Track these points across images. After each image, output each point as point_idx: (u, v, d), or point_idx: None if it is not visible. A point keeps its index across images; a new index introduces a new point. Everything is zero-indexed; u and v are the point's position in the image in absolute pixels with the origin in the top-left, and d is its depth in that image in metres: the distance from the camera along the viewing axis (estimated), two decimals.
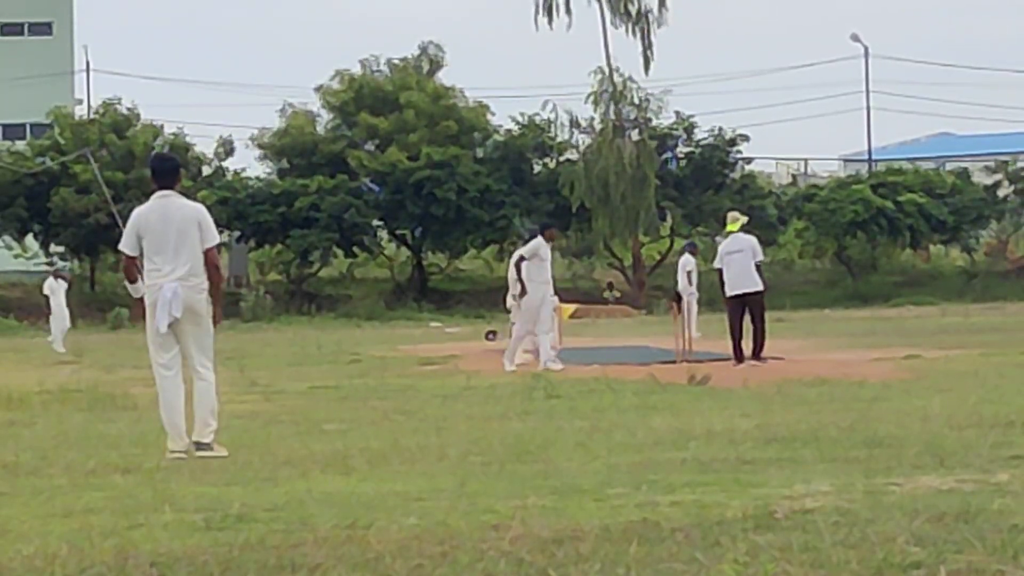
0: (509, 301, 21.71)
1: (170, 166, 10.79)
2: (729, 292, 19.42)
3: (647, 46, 52.78)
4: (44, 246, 52.03)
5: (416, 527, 6.54)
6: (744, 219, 20.33)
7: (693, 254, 29.85)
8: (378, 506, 7.27)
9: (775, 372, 17.06)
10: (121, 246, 10.61)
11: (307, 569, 5.69)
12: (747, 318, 19.36)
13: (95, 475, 9.09)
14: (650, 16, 52.89)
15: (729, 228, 19.99)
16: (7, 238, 52.42)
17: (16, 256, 52.61)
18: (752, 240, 19.68)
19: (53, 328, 32.33)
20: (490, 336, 29.08)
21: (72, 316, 45.13)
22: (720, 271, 19.63)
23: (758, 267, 19.48)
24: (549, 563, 5.63)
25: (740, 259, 19.37)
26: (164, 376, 10.39)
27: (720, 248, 20.06)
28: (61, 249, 51.81)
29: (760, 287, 19.34)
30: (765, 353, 19.47)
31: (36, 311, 48.72)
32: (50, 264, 52.25)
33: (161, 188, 10.47)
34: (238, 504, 7.30)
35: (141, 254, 10.50)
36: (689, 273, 29.02)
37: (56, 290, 32.65)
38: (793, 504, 6.87)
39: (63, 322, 32.41)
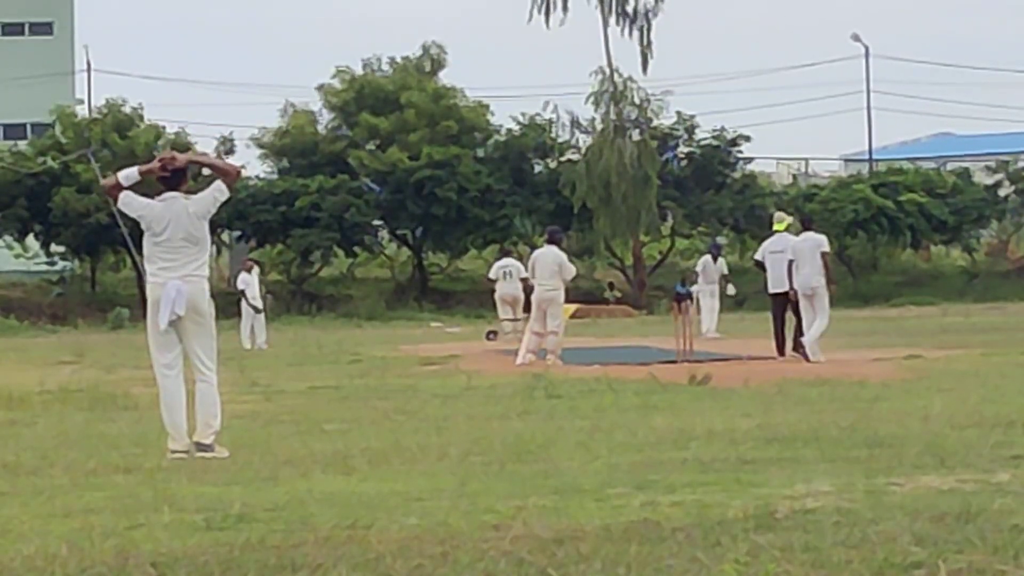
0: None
1: (177, 167, 10.76)
2: (772, 289, 20.39)
3: (645, 44, 52.73)
4: (45, 246, 52.02)
5: (417, 527, 6.54)
6: (789, 219, 21.48)
7: (715, 256, 30.94)
8: (379, 506, 7.26)
9: (775, 372, 17.06)
10: (120, 202, 10.49)
11: (308, 569, 5.69)
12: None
13: (96, 475, 9.08)
14: (650, 15, 52.88)
15: (776, 228, 20.91)
16: (8, 238, 52.41)
17: (17, 256, 52.60)
18: (796, 241, 20.41)
19: (256, 328, 30.74)
20: (491, 336, 29.07)
21: (76, 316, 45.00)
22: (761, 264, 20.76)
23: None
24: (550, 563, 5.62)
25: (785, 259, 20.21)
26: (165, 376, 10.37)
27: (764, 246, 21.06)
28: (62, 249, 51.80)
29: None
30: (769, 353, 20.21)
31: (37, 311, 48.79)
32: (50, 264, 52.23)
33: (168, 189, 10.47)
34: (239, 504, 7.30)
35: (140, 247, 10.50)
36: (698, 272, 30.30)
37: (250, 283, 31.31)
38: (794, 504, 6.87)
39: (260, 317, 31.03)
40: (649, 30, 52.67)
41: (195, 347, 10.39)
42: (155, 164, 10.55)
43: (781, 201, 56.20)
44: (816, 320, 19.89)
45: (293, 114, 56.90)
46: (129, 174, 10.48)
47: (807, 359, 19.41)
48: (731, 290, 31.09)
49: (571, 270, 21.78)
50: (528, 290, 23.48)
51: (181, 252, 10.30)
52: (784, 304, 20.27)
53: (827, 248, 20.31)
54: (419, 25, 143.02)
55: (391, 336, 34.46)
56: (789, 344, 20.20)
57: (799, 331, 20.07)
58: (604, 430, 10.95)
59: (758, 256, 20.97)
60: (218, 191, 10.38)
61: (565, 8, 52.64)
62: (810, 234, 20.54)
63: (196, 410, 10.33)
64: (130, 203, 10.42)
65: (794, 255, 20.20)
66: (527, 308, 24.66)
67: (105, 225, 46.29)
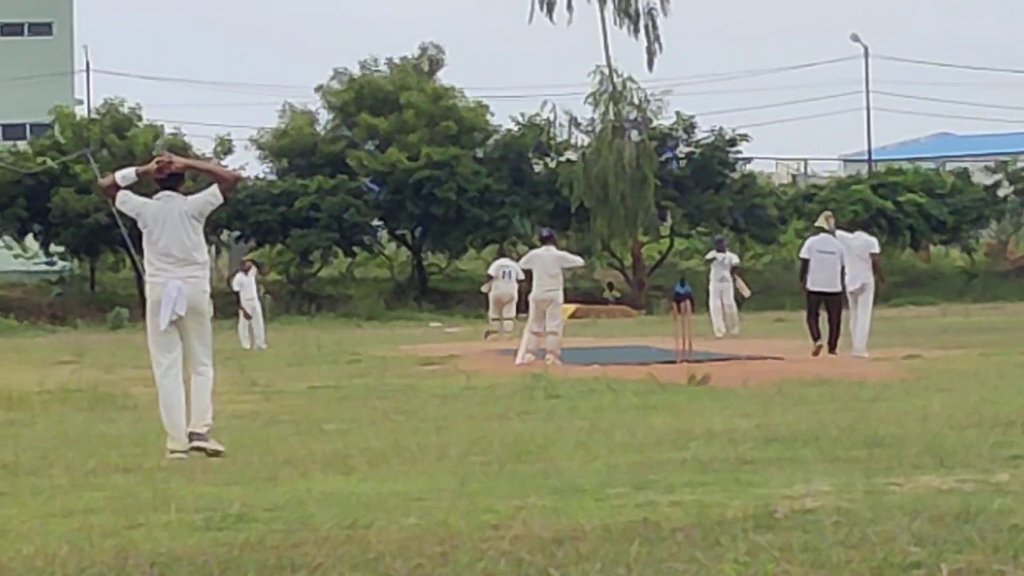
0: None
1: (174, 170, 10.76)
2: (811, 286, 21.13)
3: (652, 40, 52.72)
4: (44, 246, 52.02)
5: (416, 527, 6.54)
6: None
7: (719, 248, 31.48)
8: (378, 506, 7.27)
9: (775, 372, 17.06)
10: (117, 200, 10.51)
11: (307, 569, 5.69)
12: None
13: (95, 475, 9.09)
14: (654, 12, 52.88)
15: (823, 227, 21.47)
16: (7, 238, 52.40)
17: (16, 256, 52.59)
18: (842, 245, 21.13)
19: (255, 328, 30.33)
20: (490, 336, 29.10)
21: (75, 316, 44.72)
22: (805, 261, 21.34)
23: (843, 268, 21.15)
24: (549, 563, 5.63)
25: (831, 260, 21.05)
26: (165, 376, 10.39)
27: (811, 243, 21.55)
28: (61, 249, 51.81)
29: (839, 289, 21.05)
30: (768, 353, 20.77)
31: (36, 311, 48.77)
32: (50, 264, 52.20)
33: (164, 188, 10.49)
34: (238, 504, 7.30)
35: (140, 247, 10.52)
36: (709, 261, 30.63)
37: (246, 285, 30.96)
38: (793, 504, 6.87)
39: (259, 318, 30.66)
40: (655, 27, 52.70)
41: (194, 343, 10.46)
42: (152, 166, 10.58)
43: (780, 201, 56.28)
44: (859, 318, 20.80)
45: (292, 115, 56.93)
46: (126, 174, 10.51)
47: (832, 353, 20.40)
48: (745, 292, 31.29)
49: (577, 261, 22.17)
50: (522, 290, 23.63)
51: (178, 252, 10.32)
52: (820, 303, 20.94)
53: (877, 249, 21.21)
54: (417, 26, 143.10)
55: (390, 336, 34.45)
56: (824, 338, 20.89)
57: (834, 336, 20.78)
58: (603, 430, 10.95)
59: (804, 254, 21.55)
60: (212, 195, 10.41)
61: (569, 7, 52.67)
62: (861, 234, 21.35)
63: (192, 401, 10.37)
64: (127, 201, 10.47)
65: (845, 253, 20.97)
66: (521, 308, 24.80)
67: (104, 225, 46.27)
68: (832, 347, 20.80)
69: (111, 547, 6.21)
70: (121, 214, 11.12)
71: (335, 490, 8.01)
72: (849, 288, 20.94)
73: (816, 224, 22.23)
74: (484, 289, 30.85)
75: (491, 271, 30.48)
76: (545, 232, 22.55)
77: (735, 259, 31.82)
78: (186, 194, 10.55)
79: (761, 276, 51.84)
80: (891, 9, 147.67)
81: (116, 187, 10.45)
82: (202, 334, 10.48)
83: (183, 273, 10.32)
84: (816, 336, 20.93)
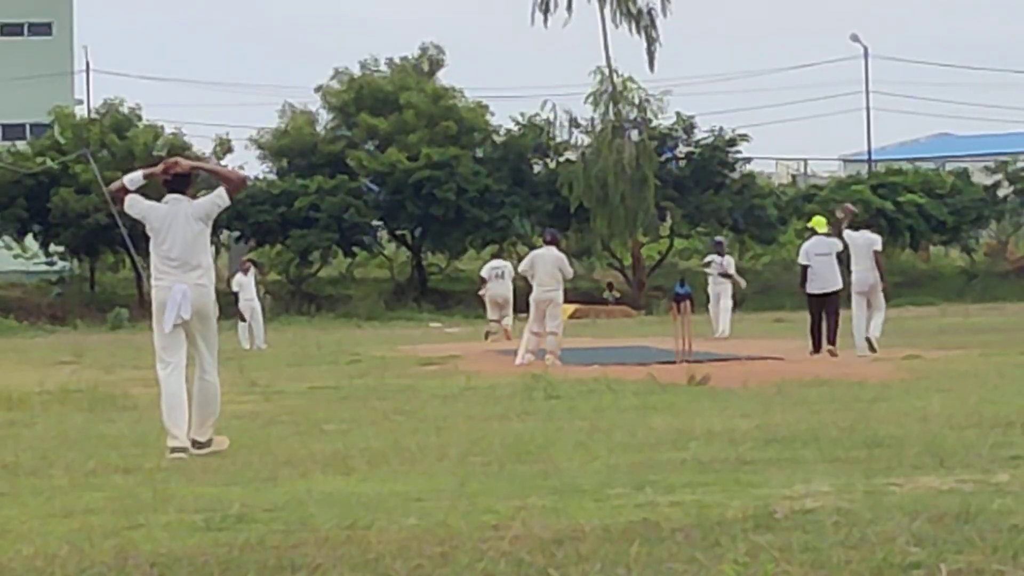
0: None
1: (181, 172, 10.78)
2: (811, 290, 21.50)
3: (652, 40, 52.70)
4: (44, 246, 52.00)
5: (416, 527, 6.54)
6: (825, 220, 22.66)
7: (719, 252, 31.36)
8: (378, 506, 7.27)
9: (775, 372, 17.06)
10: (125, 204, 10.56)
11: (307, 569, 5.70)
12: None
13: (95, 475, 9.09)
14: (654, 12, 52.86)
15: (818, 230, 21.99)
16: (7, 238, 52.38)
17: (16, 256, 52.57)
18: (837, 243, 21.67)
19: (254, 328, 30.26)
20: (490, 337, 29.10)
21: (75, 316, 44.63)
22: (804, 268, 21.67)
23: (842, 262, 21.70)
24: (549, 563, 5.63)
25: (828, 261, 21.49)
26: (169, 376, 10.41)
27: (807, 248, 21.90)
28: (61, 249, 51.80)
29: (840, 286, 21.58)
30: (768, 353, 20.99)
31: (36, 311, 48.76)
32: (50, 264, 52.18)
33: (171, 192, 10.52)
34: (238, 504, 7.31)
35: (140, 247, 10.54)
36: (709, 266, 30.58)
37: (245, 285, 30.87)
38: (793, 504, 6.88)
39: (258, 318, 30.57)
40: (655, 27, 52.69)
41: (200, 347, 10.50)
42: (158, 168, 10.62)
43: (780, 202, 56.24)
44: (875, 315, 21.21)
45: (292, 115, 56.94)
46: (134, 178, 10.56)
47: (834, 355, 20.64)
48: (742, 283, 31.71)
49: (571, 271, 22.08)
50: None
51: (183, 255, 10.34)
52: (822, 304, 21.23)
53: (879, 247, 21.57)
54: (418, 26, 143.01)
55: (390, 336, 34.45)
56: (824, 342, 21.17)
57: (833, 331, 21.04)
58: (603, 430, 10.95)
59: (803, 260, 21.78)
60: (219, 197, 10.44)
61: (569, 8, 52.67)
62: (865, 232, 21.76)
63: (194, 406, 10.38)
64: (134, 205, 10.54)
65: (851, 253, 21.36)
66: (522, 308, 24.83)
67: (104, 225, 46.23)
68: (832, 340, 20.97)
69: (111, 547, 6.22)
70: (122, 214, 11.16)
71: (335, 490, 8.01)
72: (858, 289, 21.24)
73: (808, 224, 22.43)
74: (481, 293, 30.90)
75: (483, 274, 30.68)
76: (549, 236, 22.54)
77: (731, 266, 31.59)
78: (193, 197, 10.57)
79: (760, 276, 51.83)
80: (891, 9, 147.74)
81: (125, 191, 10.52)
82: (207, 337, 10.51)
83: (188, 277, 10.34)
84: (817, 347, 21.13)
